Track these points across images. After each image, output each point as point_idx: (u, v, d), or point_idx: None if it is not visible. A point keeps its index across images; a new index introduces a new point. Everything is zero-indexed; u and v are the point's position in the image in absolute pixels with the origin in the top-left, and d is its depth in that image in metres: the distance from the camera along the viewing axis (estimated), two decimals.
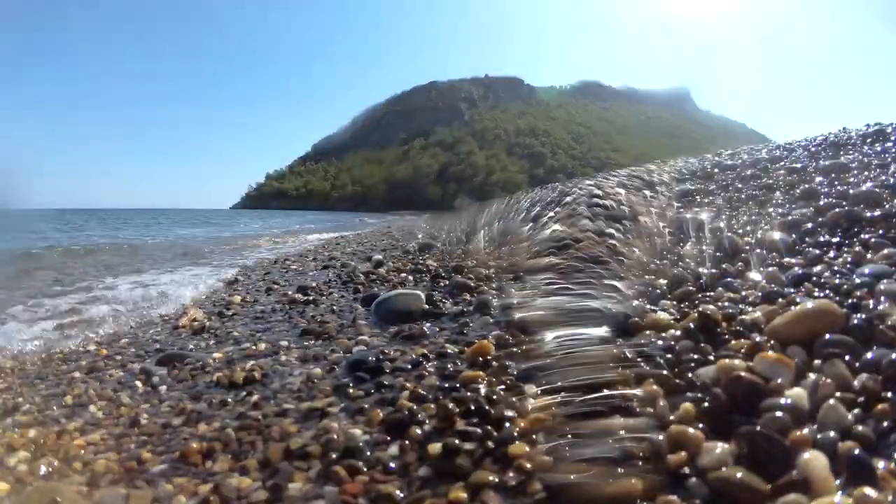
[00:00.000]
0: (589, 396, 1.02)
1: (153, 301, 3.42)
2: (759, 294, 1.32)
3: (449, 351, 1.47)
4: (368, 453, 1.02)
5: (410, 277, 2.76)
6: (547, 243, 2.44)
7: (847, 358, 0.93)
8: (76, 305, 3.31)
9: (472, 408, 1.07)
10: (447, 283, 2.39)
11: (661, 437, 0.84)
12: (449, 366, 1.35)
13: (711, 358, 1.05)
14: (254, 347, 1.86)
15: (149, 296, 3.61)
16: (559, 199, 3.59)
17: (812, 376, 0.90)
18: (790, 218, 2.06)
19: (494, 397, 1.11)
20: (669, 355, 1.10)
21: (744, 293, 1.37)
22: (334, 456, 1.02)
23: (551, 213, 3.19)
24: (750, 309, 1.24)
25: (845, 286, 1.24)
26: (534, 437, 0.95)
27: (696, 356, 1.07)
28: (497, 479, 0.87)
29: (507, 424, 1.00)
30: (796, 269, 1.47)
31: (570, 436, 0.93)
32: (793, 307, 1.13)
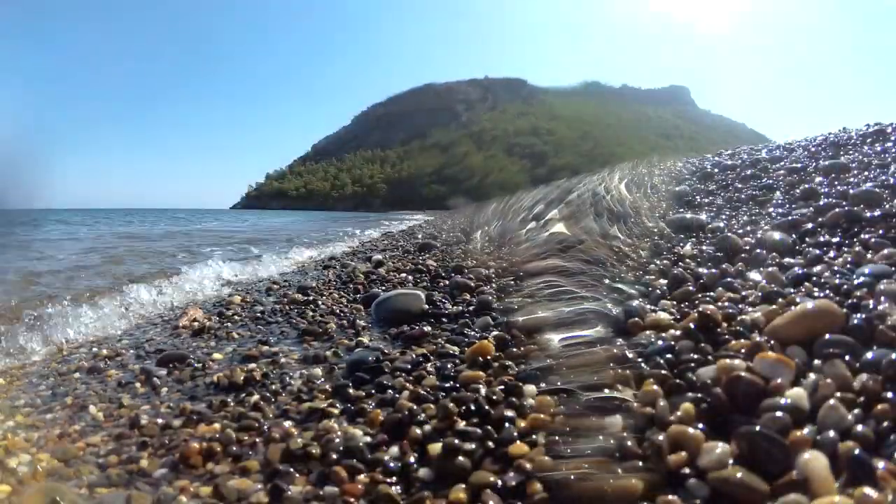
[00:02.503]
0: (589, 395, 1.02)
1: None
2: (759, 294, 1.32)
3: (449, 351, 1.47)
4: (369, 454, 1.02)
5: (410, 277, 2.75)
6: (549, 244, 2.44)
7: (847, 358, 0.93)
8: None
9: (473, 408, 1.07)
10: (447, 283, 2.39)
11: (661, 437, 0.84)
12: (449, 366, 1.35)
13: (711, 358, 1.05)
14: (254, 348, 1.86)
15: None
16: (562, 197, 3.59)
17: (812, 376, 0.90)
18: (790, 218, 2.06)
19: (494, 397, 1.11)
20: (669, 355, 1.10)
21: (744, 293, 1.37)
22: (334, 457, 1.03)
23: (554, 213, 3.19)
24: (750, 309, 1.24)
25: (845, 286, 1.24)
26: (534, 437, 0.95)
27: (696, 356, 1.06)
28: (497, 480, 0.87)
29: (507, 425, 1.00)
30: (796, 269, 1.47)
31: (569, 435, 0.93)
32: (793, 307, 1.13)
